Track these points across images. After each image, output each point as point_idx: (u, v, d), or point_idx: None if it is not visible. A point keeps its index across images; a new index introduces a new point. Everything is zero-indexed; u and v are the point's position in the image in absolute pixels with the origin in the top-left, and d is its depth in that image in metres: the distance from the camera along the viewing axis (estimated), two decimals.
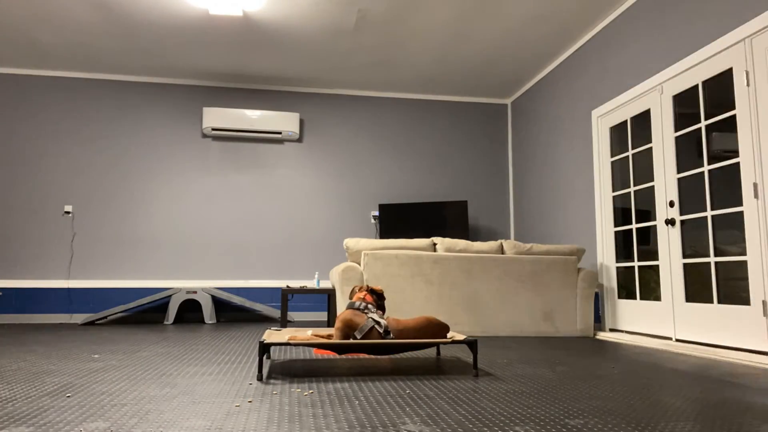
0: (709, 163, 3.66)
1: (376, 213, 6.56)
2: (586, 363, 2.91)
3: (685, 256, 3.85)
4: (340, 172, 6.58)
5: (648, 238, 4.27)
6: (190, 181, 6.26)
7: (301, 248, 6.37)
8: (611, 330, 4.69)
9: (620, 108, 4.64)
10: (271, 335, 2.72)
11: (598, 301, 4.92)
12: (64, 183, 6.04)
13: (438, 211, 6.22)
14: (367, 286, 2.83)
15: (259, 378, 2.30)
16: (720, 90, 3.59)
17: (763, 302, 3.19)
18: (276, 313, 5.84)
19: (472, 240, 6.69)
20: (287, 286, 5.25)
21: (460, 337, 2.58)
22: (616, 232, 4.69)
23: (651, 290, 4.20)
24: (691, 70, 3.83)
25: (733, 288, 3.43)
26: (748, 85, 3.34)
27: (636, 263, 4.39)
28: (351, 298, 2.81)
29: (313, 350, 3.28)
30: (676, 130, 3.98)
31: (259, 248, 6.29)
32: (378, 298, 2.80)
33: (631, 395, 2.06)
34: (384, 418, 1.68)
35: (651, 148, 4.24)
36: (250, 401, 1.90)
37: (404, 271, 4.31)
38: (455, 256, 4.41)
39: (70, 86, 6.17)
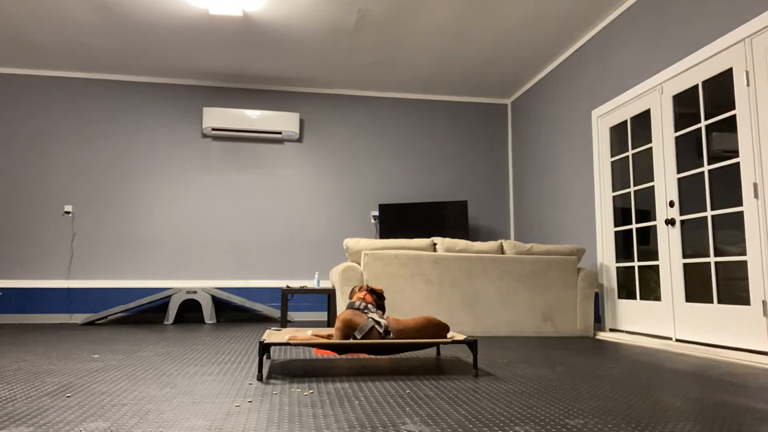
0: (709, 163, 3.66)
1: (376, 213, 6.56)
2: (586, 363, 2.91)
3: (685, 256, 3.85)
4: (340, 172, 6.58)
5: (648, 238, 4.27)
6: (190, 181, 6.26)
7: (301, 248, 6.37)
8: (611, 330, 4.69)
9: (620, 108, 4.64)
10: (271, 335, 2.72)
11: (598, 301, 4.92)
12: (64, 183, 6.04)
13: (438, 211, 6.22)
14: (367, 286, 2.83)
15: (259, 378, 2.30)
16: (720, 90, 3.59)
17: (763, 302, 3.19)
18: (276, 313, 5.84)
19: (472, 240, 6.70)
20: (287, 286, 5.25)
21: (460, 337, 2.58)
22: (616, 232, 4.69)
23: (651, 290, 4.20)
24: (691, 70, 3.83)
25: (733, 288, 3.43)
26: (748, 85, 3.34)
27: (636, 263, 4.39)
28: (351, 298, 2.81)
29: (313, 350, 3.28)
30: (676, 130, 3.98)
31: (259, 248, 6.29)
32: (378, 298, 2.80)
33: (631, 395, 2.06)
34: (384, 418, 1.68)
35: (651, 148, 4.24)
36: (250, 401, 1.90)
37: (404, 271, 4.31)
38: (455, 256, 4.41)
39: (69, 86, 6.17)
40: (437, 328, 2.56)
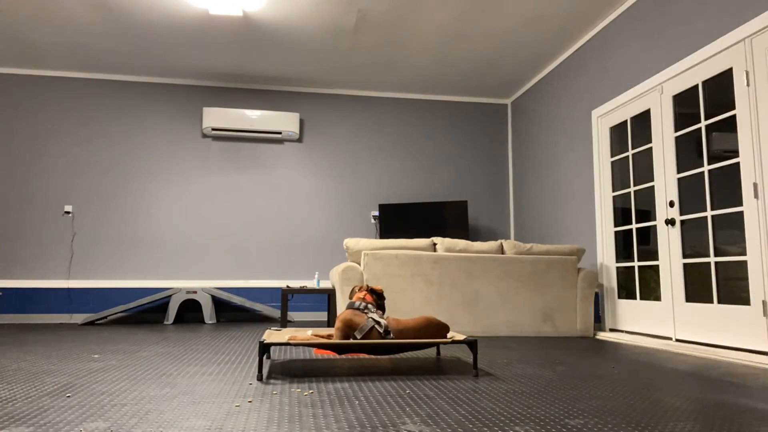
0: (709, 163, 3.66)
1: (376, 213, 6.56)
2: (586, 363, 2.91)
3: (685, 256, 3.85)
4: (340, 172, 6.58)
5: (648, 238, 4.27)
6: (190, 181, 6.26)
7: (301, 248, 6.37)
8: (611, 330, 4.69)
9: (620, 108, 4.64)
10: (271, 335, 2.72)
11: (598, 301, 4.92)
12: (64, 183, 6.04)
13: (438, 211, 6.22)
14: (367, 286, 2.83)
15: (259, 378, 2.30)
16: (720, 90, 3.59)
17: (763, 302, 3.19)
18: (276, 313, 5.84)
19: (472, 240, 6.70)
20: (287, 286, 5.25)
21: (460, 337, 2.58)
22: (616, 232, 4.69)
23: (651, 290, 4.20)
24: (691, 70, 3.83)
25: (733, 288, 3.43)
26: (748, 85, 3.34)
27: (636, 263, 4.39)
28: (351, 298, 2.81)
29: (313, 350, 3.28)
30: (676, 130, 3.98)
31: (259, 248, 6.29)
32: (378, 298, 2.80)
33: (631, 395, 2.06)
34: (384, 418, 1.68)
35: (651, 148, 4.24)
36: (250, 401, 1.90)
37: (404, 271, 4.31)
38: (455, 256, 4.41)
39: (69, 86, 6.17)
40: (437, 328, 2.56)
